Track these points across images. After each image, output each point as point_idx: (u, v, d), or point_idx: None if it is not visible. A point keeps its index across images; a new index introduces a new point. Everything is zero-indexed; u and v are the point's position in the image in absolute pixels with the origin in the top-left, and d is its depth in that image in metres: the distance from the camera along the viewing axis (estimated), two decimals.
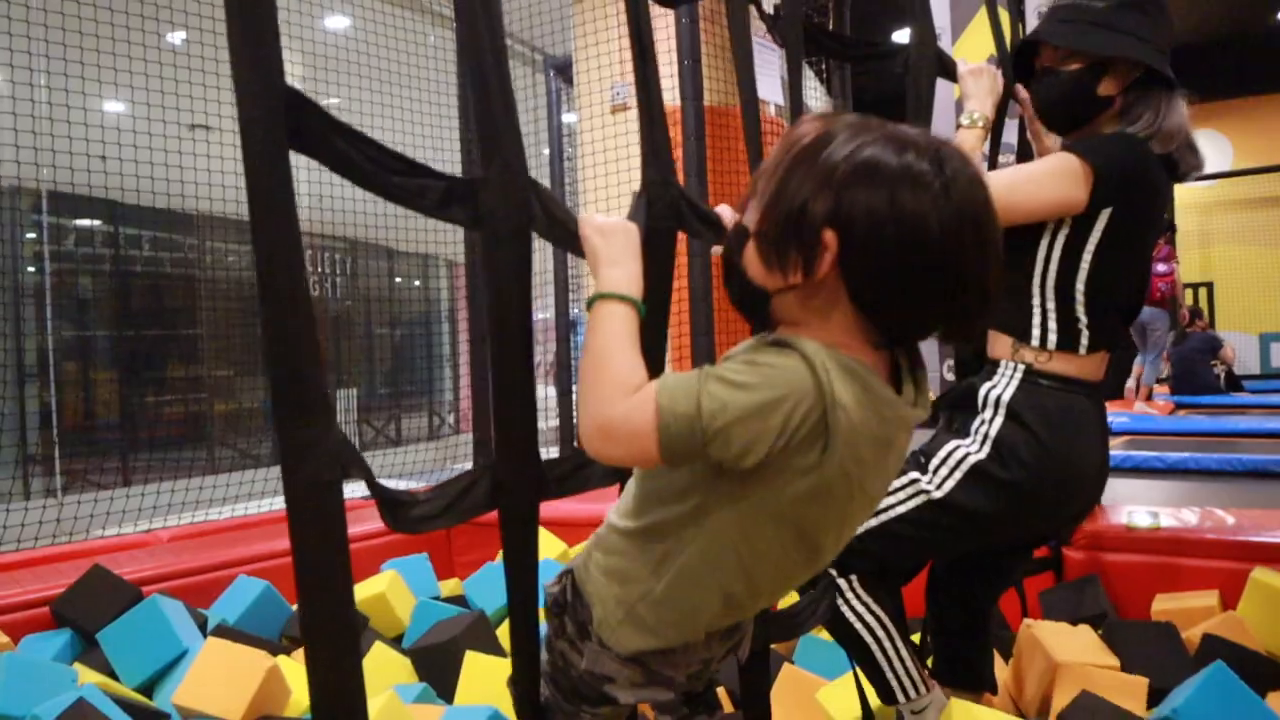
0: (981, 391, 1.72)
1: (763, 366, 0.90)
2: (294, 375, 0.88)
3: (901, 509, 1.72)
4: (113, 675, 2.12)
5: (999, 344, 1.76)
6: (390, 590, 2.57)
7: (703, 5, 3.91)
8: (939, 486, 1.69)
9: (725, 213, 1.27)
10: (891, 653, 1.72)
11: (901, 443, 1.00)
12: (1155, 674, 1.94)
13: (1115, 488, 4.53)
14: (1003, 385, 1.70)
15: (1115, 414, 7.26)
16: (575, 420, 4.66)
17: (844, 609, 1.71)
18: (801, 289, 0.93)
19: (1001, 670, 2.09)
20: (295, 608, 2.55)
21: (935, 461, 1.71)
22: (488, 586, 2.76)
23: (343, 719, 0.95)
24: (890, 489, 1.72)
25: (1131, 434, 6.61)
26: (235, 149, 0.85)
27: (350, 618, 0.97)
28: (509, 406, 1.07)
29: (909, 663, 1.71)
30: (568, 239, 1.08)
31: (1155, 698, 1.88)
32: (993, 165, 2.12)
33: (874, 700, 1.77)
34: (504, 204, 1.01)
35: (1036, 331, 1.69)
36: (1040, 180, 1.69)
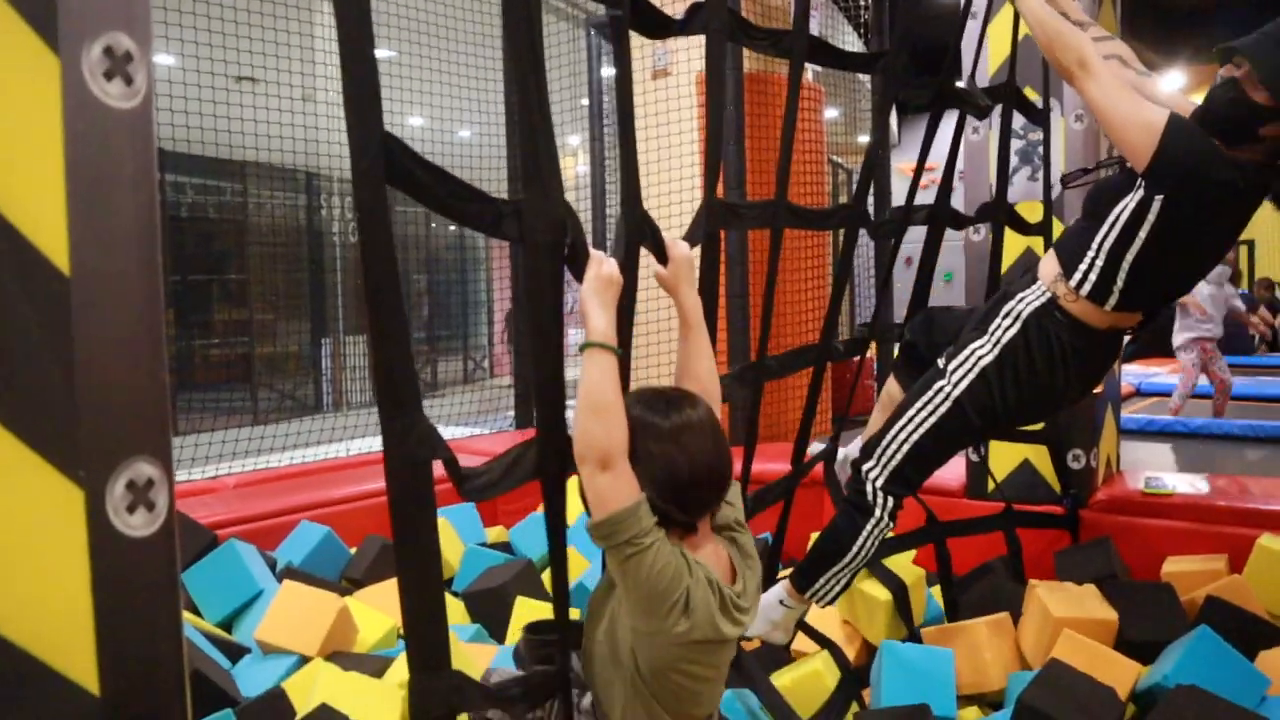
0: (1010, 302, 1.96)
1: None
2: (393, 374, 1.06)
3: (931, 420, 1.96)
4: (195, 612, 2.32)
5: (1048, 266, 1.96)
6: (441, 537, 2.72)
7: None
8: (955, 385, 1.95)
9: (667, 239, 1.41)
10: (845, 574, 2.00)
11: None
12: (1151, 631, 2.08)
13: (1136, 451, 4.62)
14: (1028, 302, 1.93)
15: (1142, 374, 7.28)
16: None
17: (864, 526, 1.96)
18: None
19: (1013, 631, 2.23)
20: (354, 551, 2.74)
21: (955, 363, 1.97)
22: (531, 535, 2.93)
23: (431, 641, 1.15)
24: (918, 403, 1.98)
25: (1157, 395, 6.64)
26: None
27: (436, 562, 1.18)
28: (547, 395, 1.25)
29: (840, 588, 2.02)
30: (578, 270, 1.24)
31: (1150, 651, 2.01)
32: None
33: None
34: (541, 222, 1.18)
35: (1078, 276, 1.88)
36: (1130, 109, 1.78)
